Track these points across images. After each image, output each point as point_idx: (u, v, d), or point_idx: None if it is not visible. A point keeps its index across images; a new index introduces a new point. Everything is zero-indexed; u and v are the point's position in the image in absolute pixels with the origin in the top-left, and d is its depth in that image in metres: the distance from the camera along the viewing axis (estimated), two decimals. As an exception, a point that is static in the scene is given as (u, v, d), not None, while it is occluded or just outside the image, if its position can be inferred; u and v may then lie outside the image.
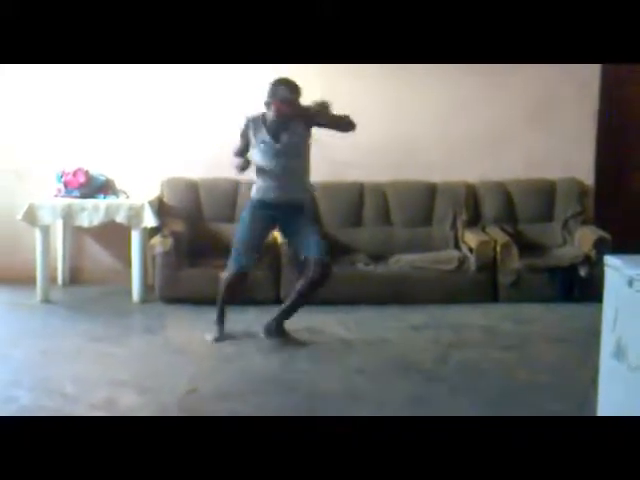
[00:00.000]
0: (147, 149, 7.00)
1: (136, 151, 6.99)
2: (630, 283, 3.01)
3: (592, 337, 3.69)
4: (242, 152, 5.48)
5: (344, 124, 5.30)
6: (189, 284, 6.38)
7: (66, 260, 7.00)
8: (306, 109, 5.22)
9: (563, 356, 5.34)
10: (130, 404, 4.40)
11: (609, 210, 7.23)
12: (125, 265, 6.74)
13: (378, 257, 6.77)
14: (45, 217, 6.36)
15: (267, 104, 5.29)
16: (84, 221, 6.43)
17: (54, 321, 5.97)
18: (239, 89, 6.82)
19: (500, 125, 7.20)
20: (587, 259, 6.56)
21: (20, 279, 6.66)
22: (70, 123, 6.94)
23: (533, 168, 7.19)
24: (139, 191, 6.71)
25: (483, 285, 6.59)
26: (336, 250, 6.79)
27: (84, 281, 7.05)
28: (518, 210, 7.13)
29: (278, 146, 5.30)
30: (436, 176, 7.11)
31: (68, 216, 6.42)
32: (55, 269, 6.88)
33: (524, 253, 6.64)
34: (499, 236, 6.74)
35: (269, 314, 5.55)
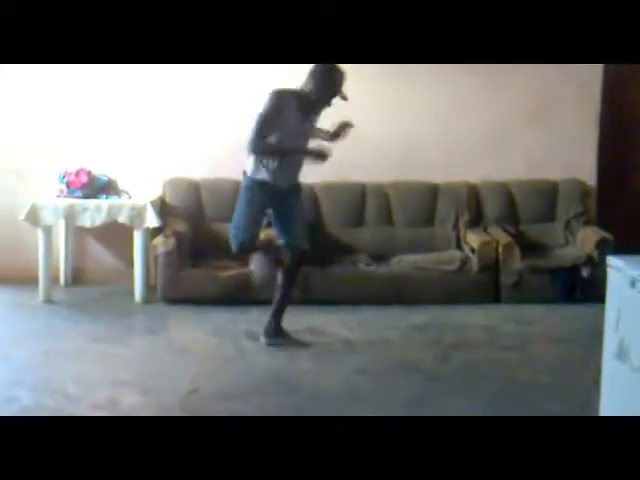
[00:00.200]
0: (149, 149, 7.01)
1: (138, 151, 6.99)
2: (633, 284, 3.00)
3: (594, 338, 3.69)
4: (270, 132, 5.05)
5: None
6: (191, 284, 6.38)
7: (68, 260, 7.01)
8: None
9: (565, 357, 5.34)
10: (132, 404, 4.40)
11: (611, 210, 7.22)
12: (127, 265, 6.74)
13: (380, 257, 6.77)
14: (47, 217, 6.37)
15: (326, 91, 5.07)
16: (86, 221, 6.44)
17: (56, 321, 5.98)
18: (240, 89, 6.82)
19: (502, 125, 7.20)
20: (589, 260, 6.55)
21: (22, 279, 6.67)
22: (72, 123, 6.94)
23: (535, 168, 7.19)
24: (141, 191, 6.71)
25: (485, 286, 6.59)
26: (338, 250, 6.82)
27: (86, 281, 7.06)
28: (520, 211, 7.13)
29: (302, 128, 5.17)
30: (438, 176, 7.11)
31: (70, 216, 6.43)
32: (57, 269, 6.89)
33: (526, 254, 6.63)
34: (501, 237, 6.73)
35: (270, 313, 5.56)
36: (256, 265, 5.49)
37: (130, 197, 6.64)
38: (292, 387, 4.73)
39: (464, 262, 6.60)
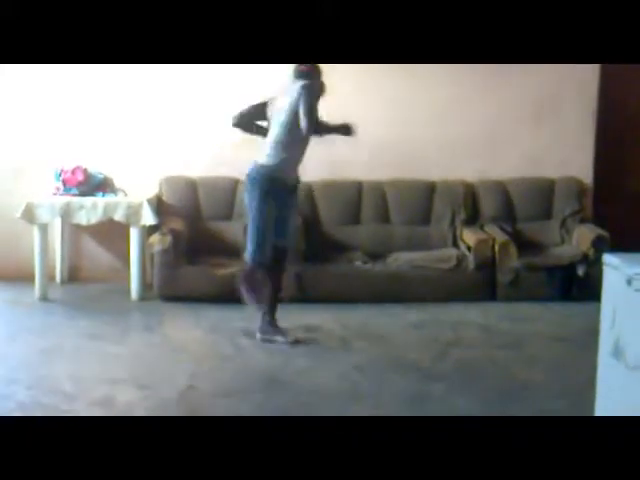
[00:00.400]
0: (146, 147, 7.00)
1: (135, 149, 6.99)
2: (629, 282, 3.01)
3: (590, 336, 3.70)
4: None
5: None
6: (188, 282, 6.38)
7: (64, 258, 7.00)
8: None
9: (561, 355, 5.35)
10: (129, 402, 4.40)
11: (607, 208, 7.23)
12: (124, 263, 6.74)
13: (376, 255, 6.77)
14: (43, 215, 6.36)
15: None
16: (82, 219, 6.43)
17: (52, 319, 5.97)
18: (238, 88, 6.81)
19: (499, 124, 7.20)
20: (585, 258, 6.56)
21: (18, 277, 6.66)
22: (69, 121, 6.93)
23: (532, 167, 7.20)
24: (138, 189, 6.70)
25: (481, 284, 6.59)
26: (334, 248, 6.81)
27: (82, 279, 7.05)
28: (516, 209, 7.14)
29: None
30: (435, 175, 7.12)
31: (66, 214, 6.42)
32: (53, 267, 6.87)
33: (522, 252, 6.64)
34: (497, 235, 6.74)
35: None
36: (246, 293, 5.46)
37: (126, 195, 6.63)
38: (288, 385, 4.73)
39: (460, 260, 6.60)
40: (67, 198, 6.44)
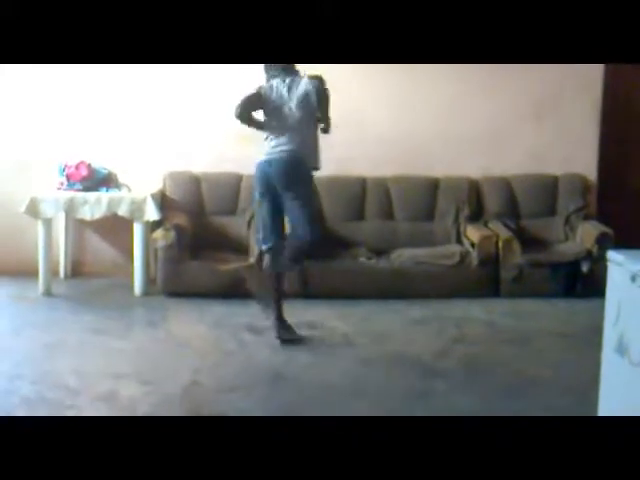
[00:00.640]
0: (150, 142, 7.00)
1: (139, 144, 6.99)
2: (633, 278, 3.00)
3: (594, 333, 3.69)
4: None
5: None
6: (191, 277, 6.38)
7: (68, 253, 7.01)
8: None
9: (565, 351, 5.34)
10: (132, 397, 4.40)
11: (612, 205, 7.22)
12: (127, 258, 6.74)
13: (380, 251, 6.77)
14: (47, 210, 6.37)
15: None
16: (86, 214, 6.44)
17: (56, 314, 5.98)
18: (242, 84, 6.79)
19: (503, 120, 7.19)
20: (589, 254, 6.56)
21: (22, 272, 6.67)
22: (73, 116, 6.94)
23: (536, 163, 7.19)
24: (141, 184, 6.71)
25: (485, 280, 6.59)
26: (338, 244, 6.81)
27: (86, 274, 7.06)
28: (520, 205, 7.13)
29: None
30: (439, 171, 7.12)
31: (70, 209, 6.43)
32: (57, 262, 6.89)
33: (526, 248, 6.64)
34: (501, 231, 6.74)
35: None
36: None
37: (130, 190, 6.64)
38: (292, 380, 4.73)
39: (464, 256, 6.60)
40: (71, 193, 6.45)
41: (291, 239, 5.37)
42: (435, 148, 7.16)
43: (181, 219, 6.64)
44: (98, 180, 6.60)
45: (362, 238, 6.92)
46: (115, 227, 6.79)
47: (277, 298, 5.40)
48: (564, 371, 4.91)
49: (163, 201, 6.79)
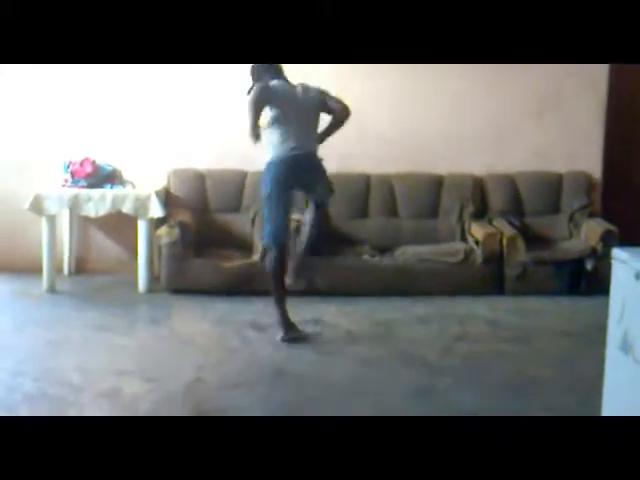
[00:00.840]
0: (154, 139, 7.00)
1: (143, 141, 6.99)
2: (638, 276, 3.00)
3: (598, 330, 3.68)
4: None
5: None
6: (195, 275, 6.38)
7: (72, 250, 7.01)
8: None
9: (569, 349, 5.33)
10: (135, 394, 4.40)
11: (616, 203, 7.20)
12: (131, 255, 6.74)
13: (384, 249, 6.76)
14: (52, 207, 6.37)
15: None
16: (90, 211, 6.44)
17: (60, 311, 5.98)
18: (245, 81, 6.79)
19: (507, 117, 7.18)
20: (594, 252, 6.54)
21: (26, 268, 6.68)
22: (77, 113, 6.94)
23: (540, 161, 7.18)
24: (146, 181, 6.71)
25: (489, 278, 6.58)
26: (342, 241, 6.81)
27: (90, 271, 7.06)
28: (525, 203, 7.12)
29: None
30: (443, 168, 7.11)
31: (75, 206, 6.43)
32: (61, 259, 6.89)
33: (530, 246, 6.63)
34: (506, 229, 6.73)
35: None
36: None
37: (134, 187, 6.64)
38: (295, 378, 4.73)
39: (468, 254, 6.59)
40: (75, 190, 6.45)
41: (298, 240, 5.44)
42: (439, 145, 7.15)
43: (185, 216, 6.64)
44: (102, 177, 6.59)
45: (366, 235, 6.91)
46: (119, 224, 6.80)
47: (281, 297, 5.40)
48: (568, 369, 4.90)
49: (167, 198, 6.79)
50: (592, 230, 6.74)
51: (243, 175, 6.94)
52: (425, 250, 6.68)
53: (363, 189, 7.02)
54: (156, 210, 6.41)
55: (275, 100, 5.26)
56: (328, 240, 6.71)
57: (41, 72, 6.80)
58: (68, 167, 6.57)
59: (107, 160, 6.72)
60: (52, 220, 6.43)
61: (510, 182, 7.13)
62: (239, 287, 6.32)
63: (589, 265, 6.53)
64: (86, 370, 4.74)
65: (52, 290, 6.42)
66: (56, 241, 6.54)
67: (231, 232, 6.87)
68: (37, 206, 6.33)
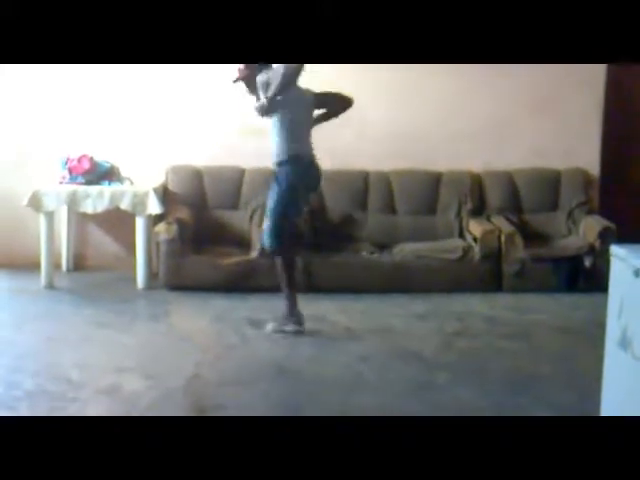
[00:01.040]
0: (152, 136, 7.00)
1: (141, 138, 6.99)
2: (636, 273, 3.00)
3: (596, 327, 3.69)
4: None
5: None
6: (193, 271, 6.38)
7: (70, 246, 7.01)
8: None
9: (567, 346, 5.34)
10: (134, 390, 4.40)
11: (614, 200, 7.21)
12: (129, 252, 6.74)
13: (382, 246, 6.76)
14: (50, 203, 6.37)
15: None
16: (88, 207, 6.44)
17: (58, 307, 5.98)
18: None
19: (505, 114, 7.18)
20: (592, 249, 6.55)
21: (24, 265, 6.68)
22: (75, 110, 6.93)
23: (538, 157, 7.18)
24: (144, 178, 6.71)
25: (487, 274, 6.58)
26: (340, 238, 6.81)
27: (88, 267, 7.06)
28: (523, 200, 7.13)
29: None
30: (441, 165, 7.11)
31: (73, 202, 6.43)
32: (59, 255, 6.88)
33: (529, 243, 6.64)
34: (504, 225, 6.73)
35: (272, 301, 5.57)
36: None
37: (132, 184, 6.63)
38: (294, 374, 4.73)
39: (466, 251, 6.59)
40: (73, 186, 6.45)
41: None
42: (437, 142, 7.15)
43: (183, 213, 6.64)
44: (100, 173, 6.59)
45: (364, 232, 6.92)
46: (117, 221, 6.79)
47: (295, 288, 5.44)
48: (566, 365, 4.91)
49: (165, 195, 6.79)
50: (590, 227, 6.75)
51: (241, 172, 6.94)
52: (423, 247, 6.69)
53: (361, 186, 7.02)
54: (154, 207, 6.41)
55: (291, 97, 5.28)
56: (326, 237, 6.73)
57: (39, 69, 6.78)
58: (66, 164, 6.57)
59: (105, 157, 6.72)
60: (50, 216, 6.43)
61: (508, 179, 7.13)
62: (237, 284, 6.32)
63: (587, 262, 6.54)
64: (85, 366, 4.74)
65: (50, 286, 6.42)
66: (54, 237, 6.54)
67: (229, 229, 6.87)
68: (35, 202, 6.33)
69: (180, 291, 6.34)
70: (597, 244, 6.52)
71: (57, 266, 6.73)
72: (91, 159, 6.58)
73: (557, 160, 7.17)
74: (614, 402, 3.24)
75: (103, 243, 7.12)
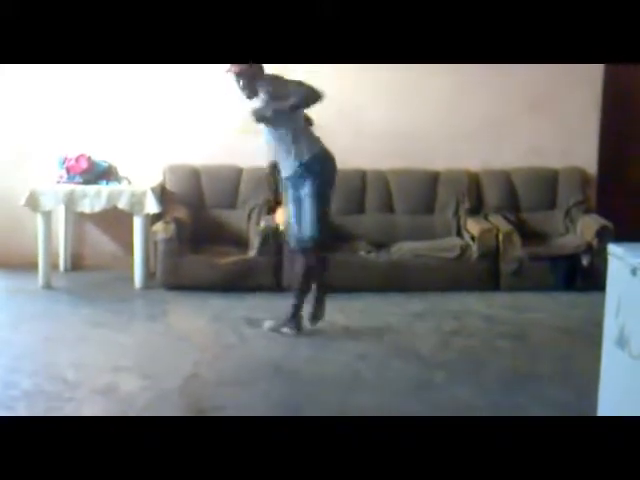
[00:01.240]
0: (150, 135, 6.99)
1: (139, 137, 6.98)
2: (634, 272, 3.00)
3: (594, 326, 3.70)
4: None
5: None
6: (191, 271, 6.38)
7: (68, 246, 7.00)
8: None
9: (565, 345, 5.34)
10: (131, 390, 4.40)
11: (612, 198, 7.22)
12: (127, 251, 6.74)
13: (380, 245, 6.76)
14: (47, 203, 6.36)
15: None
16: (86, 207, 6.43)
17: (56, 307, 5.98)
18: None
19: (503, 113, 7.18)
20: (589, 248, 6.55)
21: (22, 264, 6.67)
22: (73, 109, 6.92)
23: (536, 156, 7.18)
24: (141, 177, 6.70)
25: (485, 273, 6.58)
26: (338, 238, 6.80)
27: (86, 267, 7.06)
28: (520, 198, 7.12)
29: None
30: (439, 164, 7.10)
31: (70, 202, 6.42)
32: (57, 255, 6.88)
33: (526, 241, 6.64)
34: (501, 224, 6.73)
35: (270, 300, 5.57)
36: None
37: (130, 183, 6.63)
38: (292, 374, 4.73)
39: (464, 250, 6.59)
40: (71, 186, 6.44)
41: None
42: (435, 141, 7.15)
43: (181, 212, 6.63)
44: (98, 173, 6.58)
45: (362, 231, 6.91)
46: (115, 220, 6.79)
47: (307, 293, 5.46)
48: (563, 364, 4.91)
49: (163, 194, 6.79)
50: (588, 226, 6.75)
51: (239, 171, 6.93)
52: (421, 246, 6.68)
53: (359, 185, 7.02)
54: (152, 206, 6.40)
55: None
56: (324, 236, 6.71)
57: (37, 69, 6.77)
58: (64, 163, 6.56)
59: (103, 156, 6.71)
60: (48, 216, 6.42)
61: (506, 178, 7.13)
62: (235, 283, 6.32)
63: (585, 261, 6.54)
64: (82, 366, 4.74)
65: (48, 286, 6.41)
66: (52, 237, 6.53)
67: (227, 228, 6.86)
68: (33, 202, 6.32)
69: (178, 290, 6.34)
70: (595, 243, 6.52)
71: (54, 266, 6.72)
72: (89, 158, 6.57)
73: (555, 159, 7.18)
74: (611, 401, 3.24)
75: (101, 243, 7.11)
